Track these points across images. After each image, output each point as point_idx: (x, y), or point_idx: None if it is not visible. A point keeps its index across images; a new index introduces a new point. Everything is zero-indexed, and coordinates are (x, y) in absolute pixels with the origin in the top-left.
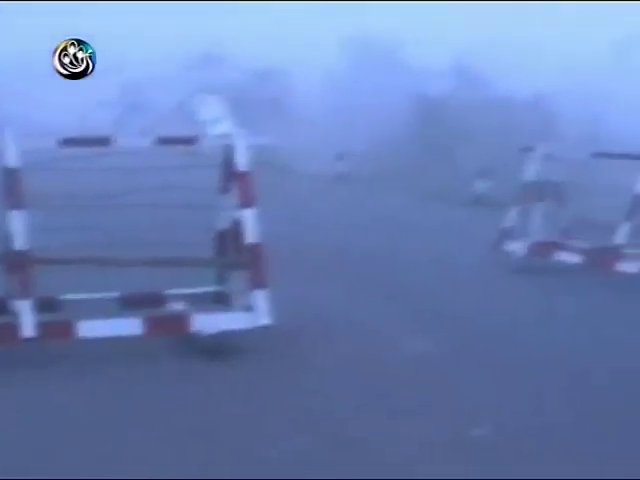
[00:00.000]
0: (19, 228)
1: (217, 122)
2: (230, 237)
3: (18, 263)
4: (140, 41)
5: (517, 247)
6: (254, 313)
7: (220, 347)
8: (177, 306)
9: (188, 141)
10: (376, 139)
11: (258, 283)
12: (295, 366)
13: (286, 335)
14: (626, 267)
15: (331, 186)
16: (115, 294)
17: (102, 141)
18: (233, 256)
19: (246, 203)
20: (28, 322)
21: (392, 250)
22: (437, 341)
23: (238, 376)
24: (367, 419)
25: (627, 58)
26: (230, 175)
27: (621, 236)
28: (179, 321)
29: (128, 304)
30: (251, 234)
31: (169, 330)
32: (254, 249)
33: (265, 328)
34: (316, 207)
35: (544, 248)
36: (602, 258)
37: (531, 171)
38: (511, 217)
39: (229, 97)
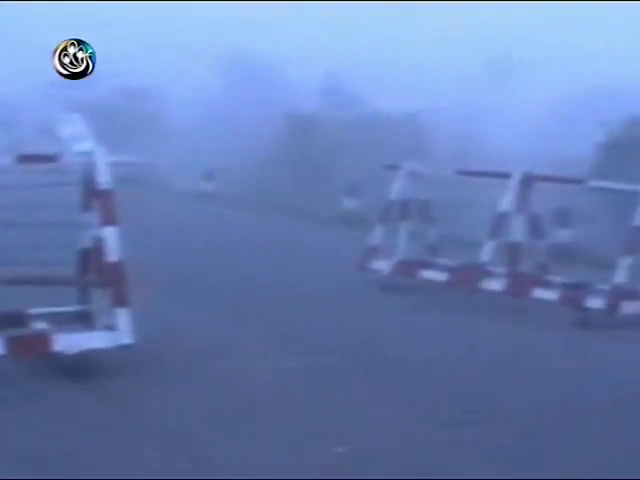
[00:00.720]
0: None
1: (79, 140)
2: (92, 255)
3: None
4: (8, 57)
5: (382, 265)
6: (116, 332)
7: (82, 367)
8: (39, 325)
9: (49, 159)
10: (247, 157)
11: (120, 302)
12: (159, 386)
13: (149, 354)
14: (491, 285)
15: (199, 204)
16: None
17: None
18: (95, 275)
19: (107, 221)
20: None
21: (257, 269)
22: (302, 360)
23: (100, 396)
24: (230, 438)
25: (501, 77)
26: (91, 193)
27: (486, 254)
28: (41, 341)
29: None
30: (113, 252)
31: (31, 350)
32: (116, 267)
33: (127, 347)
34: (181, 226)
35: (410, 266)
36: (467, 276)
37: (396, 189)
38: (377, 235)
39: (99, 115)
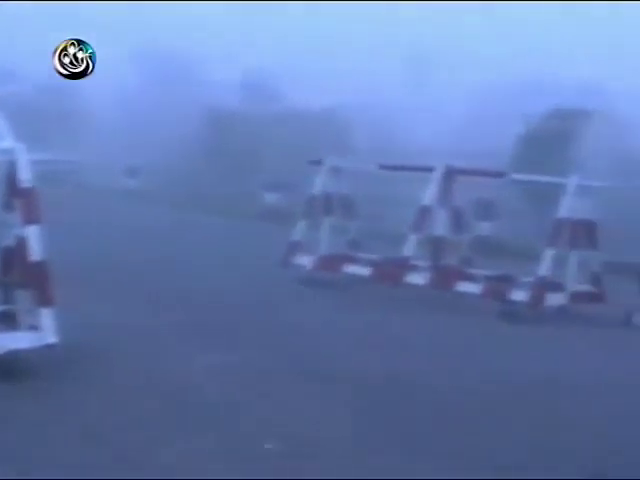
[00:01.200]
0: None
1: None
2: (15, 255)
3: None
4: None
5: (306, 260)
6: (40, 332)
7: (6, 367)
8: None
9: None
10: (168, 153)
11: (44, 301)
12: (84, 385)
13: (74, 353)
14: (415, 278)
15: (121, 201)
16: None
17: None
18: (18, 274)
19: (30, 220)
20: None
21: (180, 266)
22: (230, 355)
23: (24, 396)
24: (158, 434)
25: (422, 73)
26: (13, 191)
27: (409, 248)
28: None
29: None
30: (35, 252)
31: None
32: (39, 267)
33: (51, 347)
34: (104, 223)
35: (333, 261)
36: (391, 270)
37: (319, 184)
38: (299, 230)
39: (17, 112)
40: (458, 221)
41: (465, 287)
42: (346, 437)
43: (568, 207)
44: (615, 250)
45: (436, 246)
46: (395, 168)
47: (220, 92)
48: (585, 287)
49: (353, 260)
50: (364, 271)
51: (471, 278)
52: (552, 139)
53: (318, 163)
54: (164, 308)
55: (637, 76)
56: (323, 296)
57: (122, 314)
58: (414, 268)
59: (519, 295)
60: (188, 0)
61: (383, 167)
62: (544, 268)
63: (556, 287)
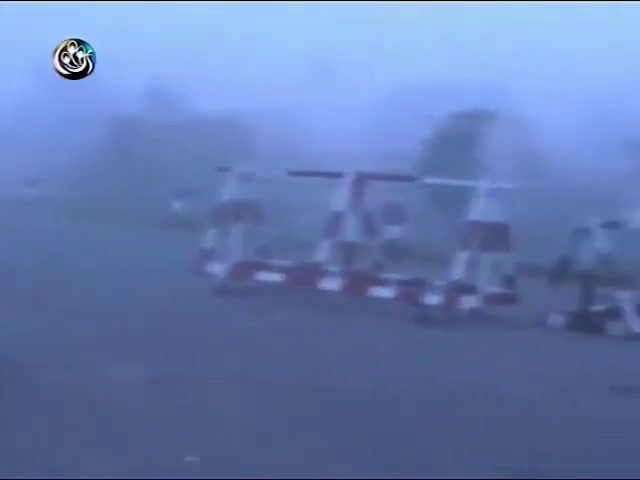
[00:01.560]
0: None
1: None
2: None
3: None
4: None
5: (218, 268)
6: None
7: None
8: None
9: None
10: (72, 162)
11: None
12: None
13: None
14: (328, 284)
15: (24, 213)
16: None
17: None
18: None
19: None
20: None
21: (89, 277)
22: (146, 367)
23: None
24: (75, 450)
25: (323, 75)
26: None
27: (321, 253)
28: None
29: None
30: None
31: None
32: None
33: None
34: (8, 234)
35: (245, 268)
36: (303, 276)
37: (228, 191)
38: (210, 238)
39: None
40: (369, 226)
41: (378, 292)
42: (269, 443)
43: (479, 210)
44: (527, 252)
45: (348, 251)
46: (304, 174)
47: (124, 99)
48: (498, 289)
49: (266, 267)
50: (277, 278)
51: (384, 283)
52: (457, 141)
53: (227, 170)
54: (73, 320)
55: (541, 76)
56: (236, 304)
57: (40, 328)
58: (327, 274)
59: (433, 299)
60: (90, 1)
61: (292, 173)
62: (457, 271)
63: (469, 290)
